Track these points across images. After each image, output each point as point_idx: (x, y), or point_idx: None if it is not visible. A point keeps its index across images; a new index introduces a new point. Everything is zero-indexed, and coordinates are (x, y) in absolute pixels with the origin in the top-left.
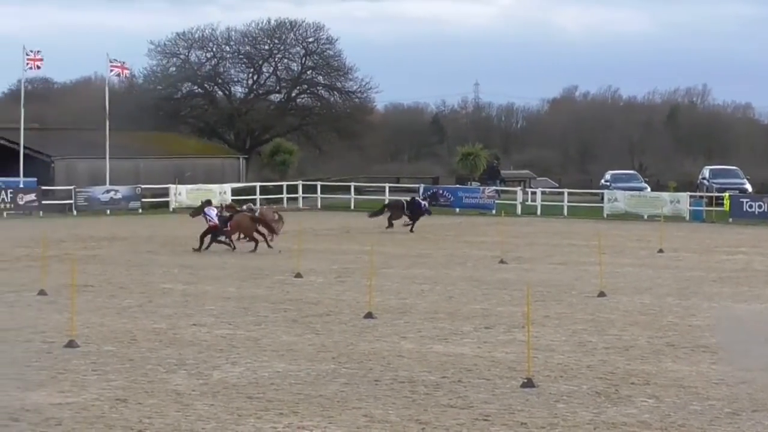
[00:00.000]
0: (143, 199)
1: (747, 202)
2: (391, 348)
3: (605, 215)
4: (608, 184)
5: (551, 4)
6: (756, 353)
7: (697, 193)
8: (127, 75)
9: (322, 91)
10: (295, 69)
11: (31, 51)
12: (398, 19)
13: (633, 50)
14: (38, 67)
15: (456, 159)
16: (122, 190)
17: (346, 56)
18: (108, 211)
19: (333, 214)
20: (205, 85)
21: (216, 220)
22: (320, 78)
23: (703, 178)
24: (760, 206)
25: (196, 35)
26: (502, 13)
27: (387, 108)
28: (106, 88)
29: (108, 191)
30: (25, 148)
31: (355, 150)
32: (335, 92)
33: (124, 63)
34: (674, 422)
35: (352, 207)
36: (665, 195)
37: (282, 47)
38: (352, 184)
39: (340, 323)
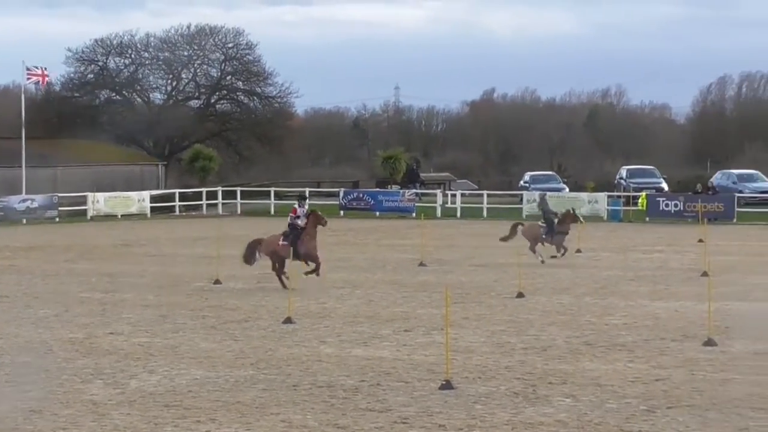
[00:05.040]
0: (60, 208)
1: (663, 201)
2: (311, 353)
3: (524, 216)
4: (527, 185)
5: (480, 6)
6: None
7: (615, 193)
8: (47, 82)
9: (242, 97)
10: (215, 75)
11: None
12: (326, 24)
13: (553, 52)
14: None
15: (377, 162)
16: (39, 199)
17: (266, 61)
18: (24, 221)
19: (253, 220)
20: (124, 92)
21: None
22: (240, 83)
23: (621, 178)
24: (676, 205)
25: (115, 42)
26: (430, 16)
27: (308, 113)
28: (22, 96)
29: (24, 200)
30: None
31: (276, 155)
32: (255, 97)
33: (45, 69)
34: (591, 421)
35: (272, 212)
36: (583, 195)
37: (201, 53)
38: (272, 189)
39: (259, 329)
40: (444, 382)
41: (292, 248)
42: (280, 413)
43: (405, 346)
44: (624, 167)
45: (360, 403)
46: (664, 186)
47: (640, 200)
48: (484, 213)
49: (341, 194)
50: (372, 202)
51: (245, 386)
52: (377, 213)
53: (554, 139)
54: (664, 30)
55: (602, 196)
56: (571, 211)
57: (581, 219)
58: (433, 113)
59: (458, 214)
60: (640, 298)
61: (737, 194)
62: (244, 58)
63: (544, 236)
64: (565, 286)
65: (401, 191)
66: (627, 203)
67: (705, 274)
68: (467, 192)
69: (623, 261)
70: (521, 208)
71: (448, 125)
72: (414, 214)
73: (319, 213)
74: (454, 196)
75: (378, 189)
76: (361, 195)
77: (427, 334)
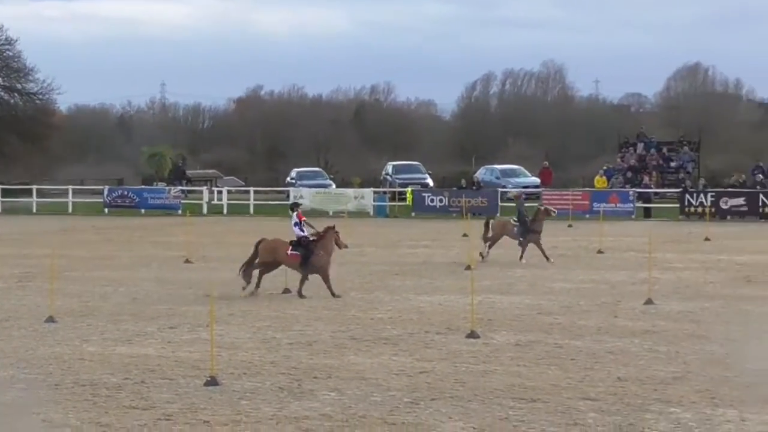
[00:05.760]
0: None
1: (428, 196)
2: (73, 351)
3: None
4: (294, 181)
5: (247, 2)
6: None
7: (381, 189)
8: None
9: (2, 93)
10: None
11: None
12: (89, 20)
13: (320, 49)
14: None
15: (142, 160)
16: None
17: (27, 57)
18: None
19: (14, 218)
20: None
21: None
22: None
23: (387, 174)
24: (441, 200)
25: None
26: (195, 13)
27: (71, 110)
28: None
29: None
30: None
31: (38, 153)
32: (15, 94)
33: None
34: (355, 414)
35: (35, 210)
36: (350, 191)
37: None
38: (34, 187)
39: (19, 328)
40: (209, 379)
41: (303, 260)
42: (41, 413)
43: (170, 343)
44: (390, 163)
45: (123, 401)
46: (429, 181)
47: (406, 196)
48: (251, 210)
49: (105, 192)
50: (137, 199)
51: (5, 386)
52: (143, 210)
53: (321, 136)
54: (431, 28)
55: (368, 192)
56: (542, 208)
57: (553, 211)
58: (200, 110)
59: (225, 211)
60: (406, 292)
61: (501, 189)
62: (4, 54)
63: (521, 239)
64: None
65: (167, 188)
66: (393, 199)
67: (468, 267)
68: (234, 189)
69: (389, 256)
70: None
71: (215, 122)
72: (180, 211)
73: (338, 233)
74: (220, 192)
75: (143, 186)
76: (126, 192)
77: (193, 331)
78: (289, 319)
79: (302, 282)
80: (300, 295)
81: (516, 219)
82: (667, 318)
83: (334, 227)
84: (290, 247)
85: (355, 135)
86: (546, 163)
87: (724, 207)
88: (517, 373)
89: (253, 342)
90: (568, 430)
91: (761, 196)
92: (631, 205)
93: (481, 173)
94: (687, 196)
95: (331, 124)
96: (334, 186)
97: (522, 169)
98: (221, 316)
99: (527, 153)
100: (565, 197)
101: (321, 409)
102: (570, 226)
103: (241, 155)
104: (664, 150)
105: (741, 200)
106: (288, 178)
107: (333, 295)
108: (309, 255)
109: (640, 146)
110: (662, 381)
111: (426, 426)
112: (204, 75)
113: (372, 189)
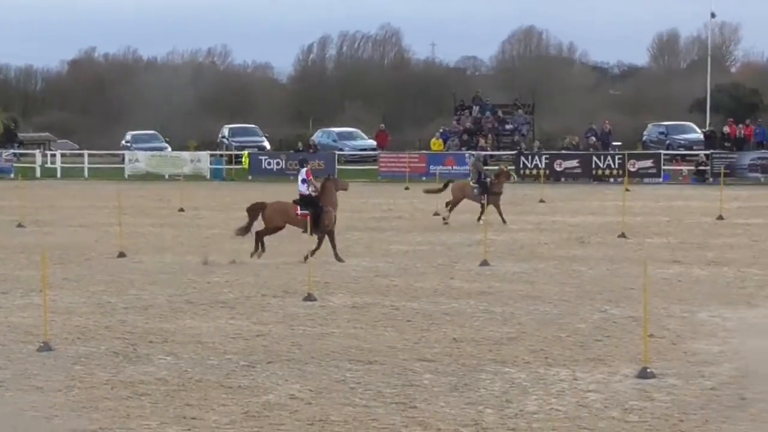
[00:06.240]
0: None
1: (266, 159)
2: None
3: (127, 176)
4: (129, 144)
5: None
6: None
7: (218, 152)
8: None
9: None
10: None
11: None
12: None
13: (155, 10)
14: None
15: None
16: None
17: None
18: None
19: None
20: None
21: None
22: None
23: (223, 137)
24: (278, 163)
25: None
26: None
27: None
28: None
29: None
30: None
31: None
32: None
33: None
34: (192, 378)
35: None
36: (185, 154)
37: None
38: None
39: None
40: (42, 344)
41: (314, 220)
42: None
43: (2, 308)
44: (226, 126)
45: None
46: (266, 144)
47: (243, 159)
48: (86, 173)
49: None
50: None
51: None
52: None
53: (156, 98)
54: None
55: (205, 155)
56: (505, 169)
57: (514, 176)
58: (32, 72)
59: (58, 175)
60: (242, 255)
61: (338, 152)
62: None
63: (483, 200)
64: (168, 245)
65: None
66: (230, 162)
67: (305, 230)
68: (68, 152)
69: (226, 219)
70: (123, 168)
71: (48, 84)
72: (12, 175)
73: (337, 178)
74: (54, 156)
75: None
76: None
77: (26, 296)
78: (125, 283)
79: (320, 242)
80: (309, 256)
81: (475, 181)
82: (501, 279)
83: (329, 176)
84: (298, 207)
85: (191, 98)
86: (382, 125)
87: (559, 169)
88: (353, 335)
89: (87, 306)
90: (404, 391)
91: (594, 158)
92: (467, 167)
93: (318, 136)
94: (522, 158)
95: (166, 86)
96: (169, 149)
97: (359, 132)
98: (55, 281)
99: (364, 116)
100: (401, 160)
101: (157, 374)
102: (407, 188)
103: (75, 118)
104: (500, 113)
105: (575, 162)
106: (123, 141)
107: (338, 259)
108: (319, 213)
109: (476, 109)
110: (497, 341)
111: (262, 389)
112: (36, 36)
113: (208, 152)
